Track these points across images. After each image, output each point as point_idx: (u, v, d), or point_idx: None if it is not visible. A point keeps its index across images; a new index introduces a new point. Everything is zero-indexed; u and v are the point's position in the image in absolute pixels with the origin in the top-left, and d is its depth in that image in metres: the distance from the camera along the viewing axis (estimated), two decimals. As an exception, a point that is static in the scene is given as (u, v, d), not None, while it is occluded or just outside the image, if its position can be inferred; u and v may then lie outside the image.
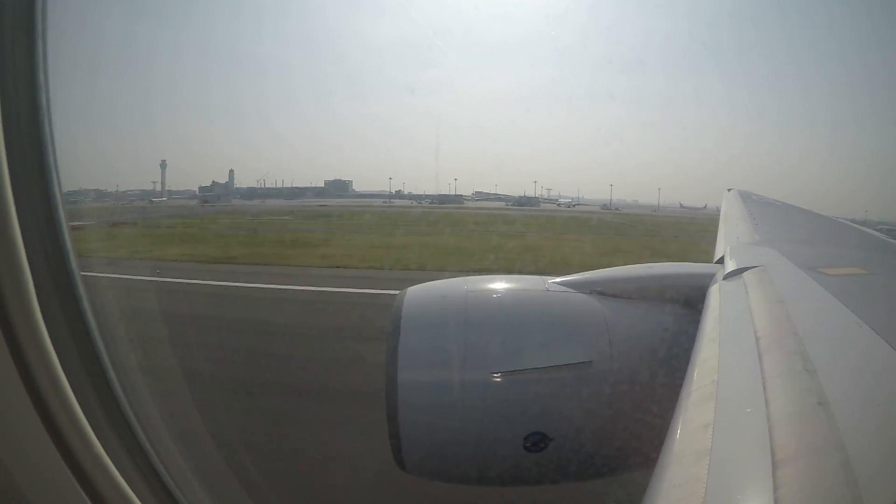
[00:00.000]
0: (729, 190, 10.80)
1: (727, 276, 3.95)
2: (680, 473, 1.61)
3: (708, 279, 4.08)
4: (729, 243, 5.69)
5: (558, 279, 4.21)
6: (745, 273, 3.86)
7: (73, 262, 1.67)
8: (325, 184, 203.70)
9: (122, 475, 1.55)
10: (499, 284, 4.22)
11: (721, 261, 4.83)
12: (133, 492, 1.58)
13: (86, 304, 1.68)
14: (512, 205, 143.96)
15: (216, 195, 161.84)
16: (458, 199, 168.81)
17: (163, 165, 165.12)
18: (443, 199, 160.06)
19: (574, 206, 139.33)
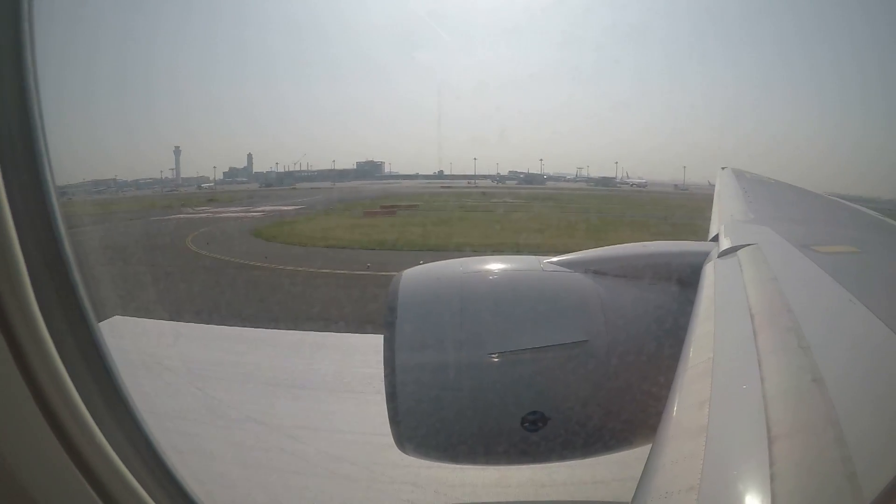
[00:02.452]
0: (723, 168, 10.79)
1: (721, 254, 3.97)
2: (677, 450, 1.63)
3: (702, 257, 4.10)
4: (723, 221, 5.70)
5: (554, 259, 4.20)
6: (739, 251, 3.88)
7: (71, 255, 1.65)
8: (357, 165, 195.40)
9: (126, 466, 1.55)
10: (494, 265, 4.21)
11: (715, 239, 4.85)
12: (139, 483, 1.58)
13: (83, 296, 1.68)
14: (596, 185, 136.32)
15: (280, 179, 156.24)
16: (541, 178, 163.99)
17: (176, 152, 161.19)
18: (530, 179, 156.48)
19: (645, 186, 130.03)
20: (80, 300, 1.66)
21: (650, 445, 1.78)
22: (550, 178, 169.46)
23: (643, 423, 3.27)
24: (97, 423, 1.50)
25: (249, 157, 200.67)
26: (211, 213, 53.11)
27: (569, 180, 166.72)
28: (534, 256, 4.32)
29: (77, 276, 1.67)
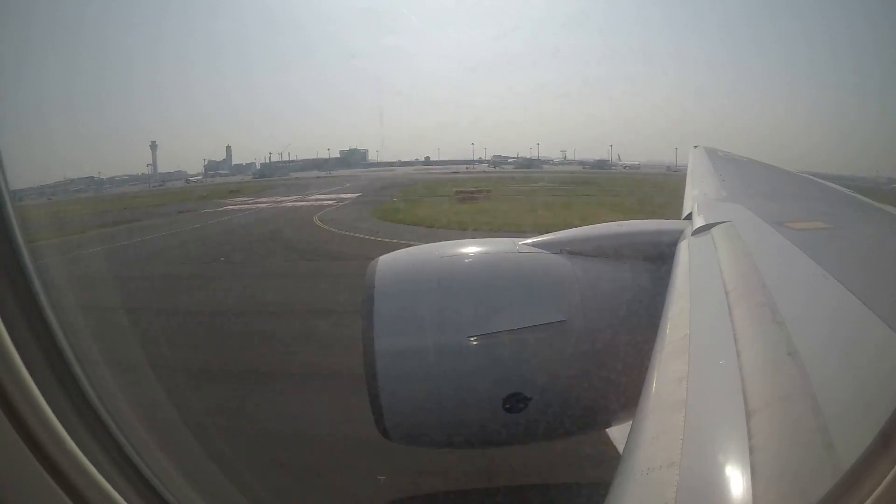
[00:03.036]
0: (695, 147, 10.86)
1: (695, 232, 4.01)
2: (657, 426, 1.65)
3: (677, 235, 4.14)
4: (696, 200, 5.76)
5: (529, 240, 4.21)
6: (713, 228, 3.92)
7: (28, 257, 1.62)
8: (341, 154, 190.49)
9: (96, 468, 1.53)
10: (471, 248, 4.21)
11: (689, 217, 4.89)
12: (109, 483, 1.56)
13: (43, 300, 1.63)
14: (590, 168, 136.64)
15: (273, 170, 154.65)
16: (538, 163, 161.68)
17: (153, 147, 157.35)
18: (527, 164, 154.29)
19: (639, 168, 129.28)
20: (38, 298, 1.62)
21: (630, 422, 1.80)
22: (541, 161, 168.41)
23: (623, 401, 3.30)
24: (63, 423, 1.47)
25: (228, 149, 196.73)
26: (271, 202, 51.34)
27: (558, 163, 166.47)
28: (509, 238, 4.33)
29: (33, 275, 1.63)
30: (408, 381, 3.59)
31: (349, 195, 55.32)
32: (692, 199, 5.98)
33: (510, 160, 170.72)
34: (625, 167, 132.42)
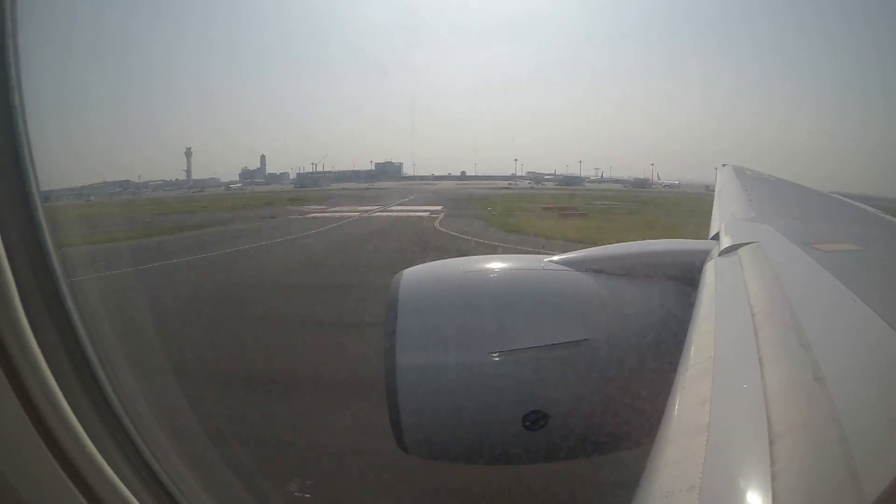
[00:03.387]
0: (723, 165, 10.74)
1: (722, 253, 3.96)
2: (678, 449, 1.63)
3: (703, 256, 4.09)
4: (724, 219, 5.69)
5: (555, 258, 4.20)
6: (740, 249, 3.86)
7: (56, 261, 1.64)
8: (376, 166, 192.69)
9: (114, 470, 1.55)
10: (495, 264, 4.21)
11: (716, 237, 4.84)
12: (126, 486, 1.58)
13: (70, 303, 1.66)
14: (631, 187, 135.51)
15: (312, 180, 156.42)
16: (578, 180, 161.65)
17: (188, 153, 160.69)
18: (569, 181, 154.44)
19: (678, 187, 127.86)
20: (64, 300, 1.65)
21: (651, 445, 1.78)
22: (581, 179, 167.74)
23: (644, 423, 3.25)
24: (83, 426, 1.50)
25: (262, 158, 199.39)
26: (356, 212, 51.25)
27: (595, 181, 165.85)
28: (534, 255, 4.33)
29: (61, 278, 1.66)
30: (428, 394, 3.58)
31: (434, 207, 54.89)
32: (719, 219, 5.92)
33: (546, 177, 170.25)
34: (664, 186, 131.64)
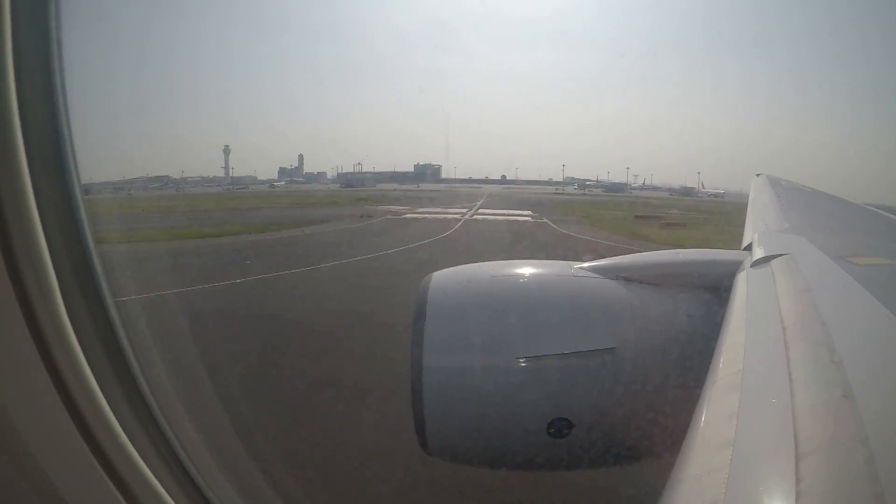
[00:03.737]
0: (757, 175, 10.57)
1: (754, 264, 3.90)
2: (702, 463, 1.62)
3: (735, 266, 4.04)
4: (757, 230, 5.61)
5: (585, 264, 4.18)
6: (772, 261, 3.81)
7: (97, 261, 1.67)
8: (416, 168, 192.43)
9: (152, 472, 1.59)
10: (524, 269, 4.19)
11: (749, 248, 4.77)
12: (164, 489, 1.62)
13: (109, 302, 1.70)
14: (678, 195, 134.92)
15: (356, 180, 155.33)
16: (625, 187, 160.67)
17: (226, 151, 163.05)
18: (616, 188, 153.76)
19: (723, 196, 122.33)
20: (104, 299, 1.68)
21: (676, 457, 1.76)
22: (623, 186, 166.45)
23: (669, 435, 3.23)
24: (122, 426, 1.53)
25: (300, 157, 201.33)
26: (455, 214, 50.17)
27: (638, 188, 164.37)
28: (564, 262, 4.30)
29: (104, 283, 1.69)
30: (453, 398, 3.59)
31: (523, 211, 54.15)
32: (752, 230, 5.83)
33: (588, 182, 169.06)
34: (709, 195, 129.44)
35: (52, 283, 1.40)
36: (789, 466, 1.40)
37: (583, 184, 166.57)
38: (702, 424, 1.87)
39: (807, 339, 2.29)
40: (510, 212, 53.20)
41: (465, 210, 55.18)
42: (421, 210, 54.61)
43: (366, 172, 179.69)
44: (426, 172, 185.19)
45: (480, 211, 54.75)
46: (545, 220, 45.20)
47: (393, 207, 58.07)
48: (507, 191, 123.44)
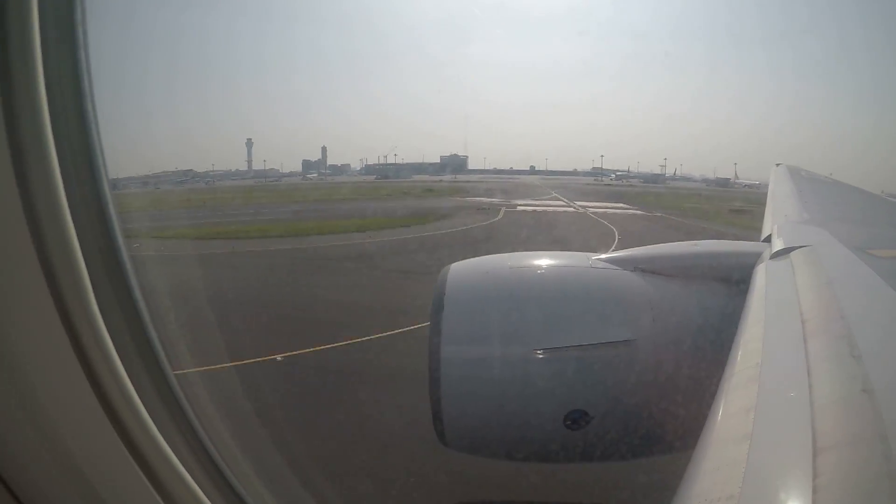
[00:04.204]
0: (777, 165, 10.44)
1: (774, 256, 3.88)
2: (719, 456, 1.62)
3: (754, 258, 4.01)
4: (776, 221, 5.56)
5: (603, 256, 4.18)
6: (792, 253, 3.78)
7: (126, 257, 1.69)
8: (442, 159, 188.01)
9: (186, 469, 1.62)
10: (543, 261, 4.20)
11: (768, 239, 4.74)
12: (198, 486, 1.65)
13: (138, 295, 1.71)
14: (714, 186, 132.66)
15: (396, 171, 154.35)
16: (662, 178, 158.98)
17: (248, 144, 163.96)
18: (654, 179, 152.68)
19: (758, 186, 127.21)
20: (136, 302, 1.70)
21: (693, 450, 1.77)
22: (662, 177, 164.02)
23: (686, 427, 3.23)
24: (155, 423, 1.56)
25: (324, 150, 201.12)
26: (553, 206, 49.18)
27: (671, 179, 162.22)
28: (582, 253, 4.30)
29: (133, 278, 1.71)
30: (470, 388, 3.60)
31: (615, 203, 52.17)
32: (772, 221, 5.78)
33: (618, 173, 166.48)
34: (744, 186, 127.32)
35: (85, 281, 1.41)
36: (807, 461, 1.40)
37: (624, 174, 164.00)
38: (719, 418, 1.87)
39: (827, 332, 2.27)
40: (609, 204, 51.54)
41: (562, 202, 53.55)
42: (523, 202, 52.75)
43: (397, 163, 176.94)
44: (453, 163, 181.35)
45: (577, 203, 52.60)
46: (657, 213, 43.75)
47: (486, 200, 55.70)
48: (547, 181, 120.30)
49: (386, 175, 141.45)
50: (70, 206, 1.40)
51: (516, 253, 4.46)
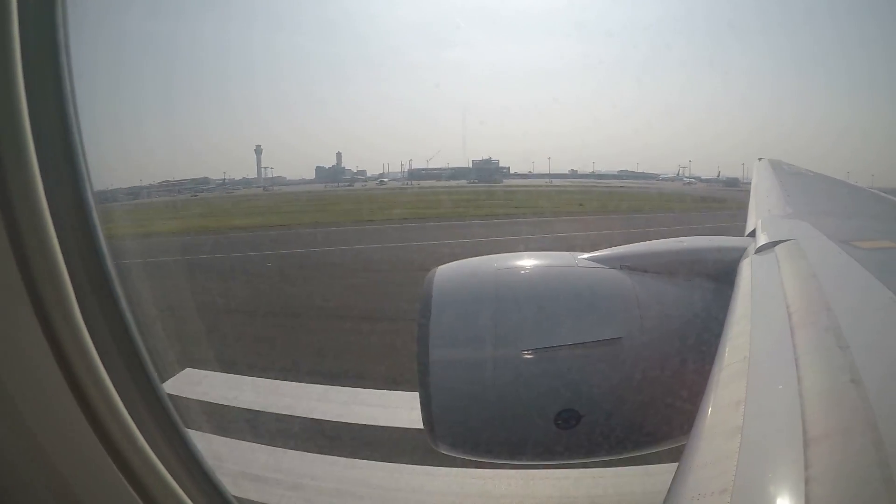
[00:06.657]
0: (759, 159, 10.51)
1: (759, 250, 3.90)
2: (710, 451, 1.62)
3: (739, 253, 4.03)
4: (760, 216, 5.60)
5: (588, 255, 4.17)
6: (777, 247, 3.81)
7: (109, 261, 1.67)
8: (473, 164, 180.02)
9: (167, 469, 1.60)
10: (528, 261, 4.18)
11: (753, 234, 4.77)
12: (179, 486, 1.63)
13: (123, 303, 1.70)
14: (723, 186, 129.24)
15: (437, 176, 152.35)
16: (675, 178, 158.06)
17: (258, 151, 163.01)
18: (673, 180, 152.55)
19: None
20: (119, 303, 1.69)
21: (684, 445, 1.77)
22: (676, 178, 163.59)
23: (677, 423, 3.25)
24: (136, 425, 1.54)
25: (339, 155, 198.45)
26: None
27: (670, 179, 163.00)
28: (568, 252, 4.29)
29: (116, 281, 1.70)
30: (460, 391, 3.60)
31: None
32: (755, 215, 5.82)
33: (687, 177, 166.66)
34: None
35: (68, 289, 1.39)
36: (798, 452, 1.41)
37: (680, 176, 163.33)
38: (709, 412, 1.87)
39: (813, 324, 2.28)
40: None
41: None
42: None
43: (431, 169, 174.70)
44: (486, 168, 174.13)
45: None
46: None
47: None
48: (595, 186, 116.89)
49: (474, 179, 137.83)
50: (52, 214, 1.38)
51: (503, 254, 4.45)
